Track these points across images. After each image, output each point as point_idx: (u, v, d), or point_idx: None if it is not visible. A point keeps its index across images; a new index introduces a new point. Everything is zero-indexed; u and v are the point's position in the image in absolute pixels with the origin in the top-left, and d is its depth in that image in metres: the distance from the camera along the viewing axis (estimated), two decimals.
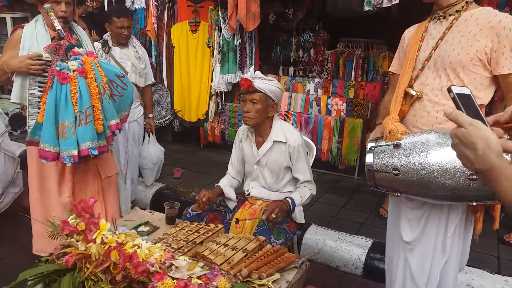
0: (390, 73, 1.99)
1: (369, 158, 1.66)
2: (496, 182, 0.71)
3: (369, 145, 1.70)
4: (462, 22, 1.62)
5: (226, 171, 2.43)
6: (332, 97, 4.36)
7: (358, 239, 2.80)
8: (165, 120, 4.85)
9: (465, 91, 0.81)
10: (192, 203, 3.26)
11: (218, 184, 2.32)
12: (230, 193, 2.29)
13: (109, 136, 2.18)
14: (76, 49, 2.11)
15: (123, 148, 3.13)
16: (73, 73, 2.02)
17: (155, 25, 4.54)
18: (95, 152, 2.05)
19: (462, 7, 1.64)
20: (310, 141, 2.56)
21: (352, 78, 4.60)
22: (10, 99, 6.44)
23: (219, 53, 4.48)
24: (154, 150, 3.49)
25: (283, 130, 2.17)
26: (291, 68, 5.18)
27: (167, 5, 4.65)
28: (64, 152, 2.01)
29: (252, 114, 2.10)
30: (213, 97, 4.72)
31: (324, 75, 4.91)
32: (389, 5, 3.24)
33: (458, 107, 0.79)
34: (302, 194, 2.15)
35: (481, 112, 0.78)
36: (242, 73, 4.47)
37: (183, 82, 4.77)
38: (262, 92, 2.08)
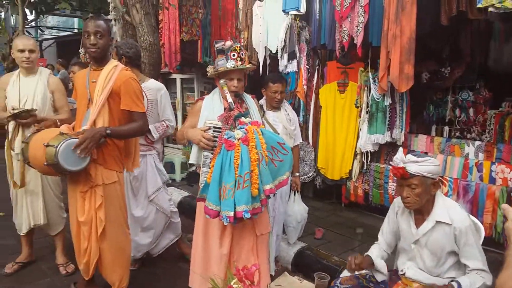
0: None
1: None
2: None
3: None
4: None
5: (370, 235, 2.31)
6: (496, 163, 3.83)
7: None
8: (307, 177, 4.94)
9: None
10: (335, 268, 3.16)
11: (368, 253, 2.21)
12: (381, 265, 2.15)
13: (264, 199, 2.32)
14: (242, 119, 2.38)
15: (271, 205, 3.26)
16: (238, 141, 2.27)
17: (305, 87, 4.78)
18: (248, 215, 2.20)
19: None
20: (477, 221, 2.26)
21: None
22: (173, 147, 7.74)
23: (367, 113, 4.43)
24: (298, 209, 3.55)
25: (447, 209, 1.98)
26: (446, 128, 4.76)
27: (317, 67, 4.88)
28: (223, 212, 2.22)
29: (412, 199, 1.97)
30: (358, 156, 4.63)
31: (486, 137, 4.37)
32: None
33: None
34: (473, 280, 1.89)
35: None
36: (391, 133, 4.30)
37: (328, 140, 4.83)
38: (419, 176, 1.95)
